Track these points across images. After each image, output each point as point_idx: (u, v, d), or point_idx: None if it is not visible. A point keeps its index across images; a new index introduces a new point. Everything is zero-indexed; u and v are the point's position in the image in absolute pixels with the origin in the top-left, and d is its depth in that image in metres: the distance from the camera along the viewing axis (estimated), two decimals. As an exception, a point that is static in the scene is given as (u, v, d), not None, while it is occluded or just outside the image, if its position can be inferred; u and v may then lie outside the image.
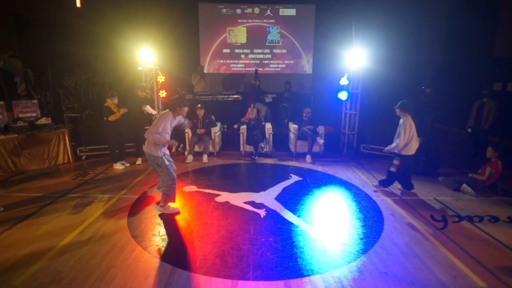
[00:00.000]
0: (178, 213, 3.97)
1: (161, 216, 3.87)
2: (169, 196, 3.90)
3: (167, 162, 3.82)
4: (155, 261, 2.94)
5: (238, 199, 4.42)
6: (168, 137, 3.77)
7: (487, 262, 2.98)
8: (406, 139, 4.34)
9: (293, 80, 8.80)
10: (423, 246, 3.25)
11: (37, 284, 2.61)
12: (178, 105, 3.77)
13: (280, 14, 9.11)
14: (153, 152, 3.71)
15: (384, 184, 4.85)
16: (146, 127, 6.14)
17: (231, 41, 9.26)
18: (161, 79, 6.69)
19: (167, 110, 3.82)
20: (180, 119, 3.95)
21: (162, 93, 6.77)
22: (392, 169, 4.58)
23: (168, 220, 3.79)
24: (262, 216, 3.88)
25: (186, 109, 3.83)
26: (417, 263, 2.94)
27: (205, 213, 3.98)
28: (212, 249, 3.14)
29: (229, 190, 4.75)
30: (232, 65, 9.42)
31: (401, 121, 4.43)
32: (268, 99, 8.25)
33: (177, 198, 4.44)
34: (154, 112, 6.16)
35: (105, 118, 5.64)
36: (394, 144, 4.48)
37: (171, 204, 4.02)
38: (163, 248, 3.16)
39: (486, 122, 6.21)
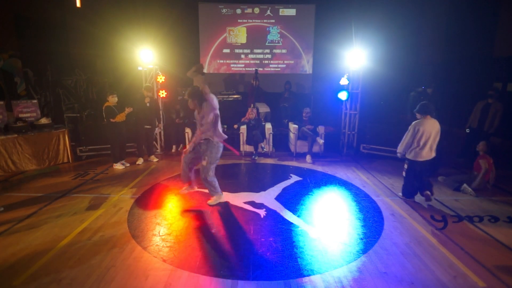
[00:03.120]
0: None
1: (161, 216, 3.87)
2: (213, 185, 4.15)
3: (219, 154, 4.02)
4: (155, 261, 2.94)
5: (238, 199, 4.42)
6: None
7: (487, 262, 2.98)
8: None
9: (293, 80, 8.80)
10: (423, 246, 3.25)
11: (37, 284, 2.61)
12: (198, 71, 3.91)
13: (280, 14, 9.11)
14: (212, 138, 3.91)
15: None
16: (146, 127, 6.15)
17: (231, 41, 9.26)
18: (161, 79, 6.70)
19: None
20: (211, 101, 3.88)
21: (162, 93, 6.77)
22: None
23: (168, 220, 3.79)
24: (262, 216, 3.88)
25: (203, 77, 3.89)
26: (417, 263, 2.94)
27: (205, 213, 3.98)
28: (212, 249, 3.14)
29: (229, 190, 4.75)
30: (232, 65, 9.42)
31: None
32: (263, 109, 8.27)
33: (178, 198, 4.47)
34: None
35: (105, 119, 5.62)
36: None
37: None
38: (163, 248, 3.15)
39: (491, 126, 5.85)
